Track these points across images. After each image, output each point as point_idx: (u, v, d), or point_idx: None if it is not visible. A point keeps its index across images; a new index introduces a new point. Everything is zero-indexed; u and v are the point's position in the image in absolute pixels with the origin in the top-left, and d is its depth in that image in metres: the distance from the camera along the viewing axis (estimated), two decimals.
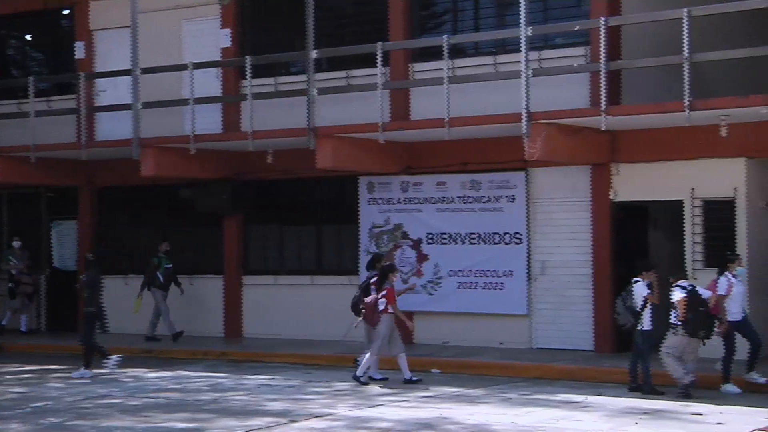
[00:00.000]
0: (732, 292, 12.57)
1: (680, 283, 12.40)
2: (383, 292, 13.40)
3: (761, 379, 12.55)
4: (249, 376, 14.42)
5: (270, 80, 17.49)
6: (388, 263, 14.17)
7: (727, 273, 12.63)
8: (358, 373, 13.41)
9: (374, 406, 11.95)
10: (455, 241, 16.45)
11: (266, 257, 18.38)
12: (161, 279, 17.80)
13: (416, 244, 16.80)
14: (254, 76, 16.48)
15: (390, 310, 13.37)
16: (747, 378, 12.60)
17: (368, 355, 13.40)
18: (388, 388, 13.18)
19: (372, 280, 13.74)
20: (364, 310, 13.51)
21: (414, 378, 13.32)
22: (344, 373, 14.57)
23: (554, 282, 15.59)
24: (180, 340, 17.70)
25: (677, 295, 12.22)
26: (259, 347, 16.85)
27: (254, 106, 16.34)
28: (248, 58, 16.52)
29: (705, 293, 12.41)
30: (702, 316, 12.21)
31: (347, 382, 13.65)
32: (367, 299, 13.51)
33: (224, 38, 18.06)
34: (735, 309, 12.64)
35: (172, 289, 17.95)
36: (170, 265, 17.87)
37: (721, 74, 15.47)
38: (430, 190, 16.69)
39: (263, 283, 17.90)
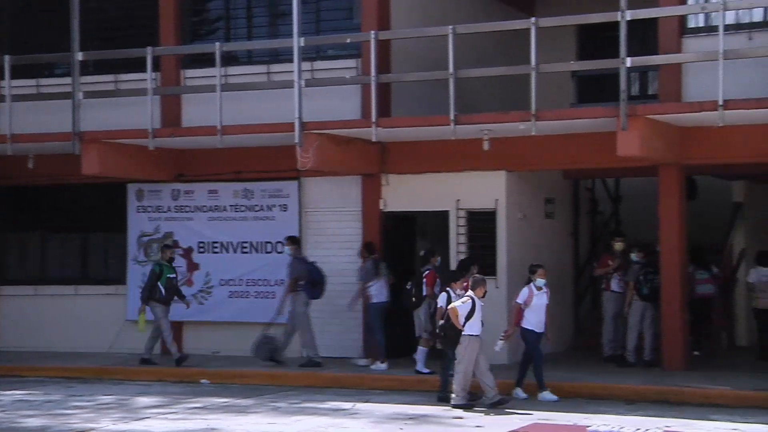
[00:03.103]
0: (532, 302, 12.76)
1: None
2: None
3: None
4: (4, 392, 13.63)
5: (32, 82, 16.69)
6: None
7: (531, 283, 12.88)
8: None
9: (140, 419, 11.61)
10: (227, 250, 16.30)
11: (26, 266, 17.53)
12: (162, 292, 15.19)
13: (187, 253, 16.52)
14: (14, 76, 15.68)
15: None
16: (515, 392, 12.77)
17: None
18: (158, 400, 12.87)
19: (425, 274, 14.00)
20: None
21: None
22: (109, 386, 14.11)
23: (325, 290, 15.71)
24: None
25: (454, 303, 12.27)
26: (17, 361, 16.00)
27: (14, 109, 15.54)
28: (7, 58, 15.70)
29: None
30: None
31: (112, 395, 13.21)
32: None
33: None
34: (534, 319, 12.79)
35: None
36: (174, 275, 15.41)
37: (487, 90, 16.20)
38: (202, 198, 16.46)
39: (22, 294, 17.03)
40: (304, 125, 14.04)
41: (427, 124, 14.13)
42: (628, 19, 12.56)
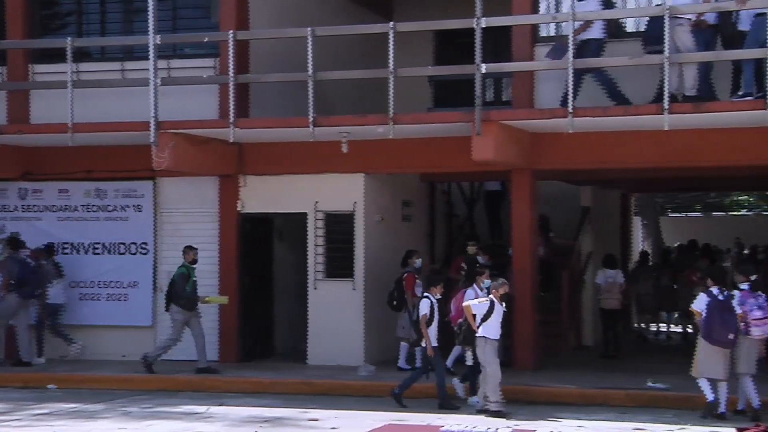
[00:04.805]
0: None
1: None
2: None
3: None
4: None
5: None
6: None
7: (475, 285, 12.72)
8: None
9: None
10: (78, 251, 15.86)
11: None
12: (189, 294, 14.18)
13: (35, 255, 15.94)
14: None
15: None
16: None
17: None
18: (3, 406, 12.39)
19: (404, 276, 14.10)
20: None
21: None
22: None
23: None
24: None
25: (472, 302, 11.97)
26: None
27: None
28: None
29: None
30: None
31: None
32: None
33: None
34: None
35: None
36: (196, 278, 14.39)
37: (345, 93, 16.26)
38: (52, 197, 15.97)
39: None
40: (159, 124, 13.77)
41: (285, 125, 14.09)
42: (483, 26, 12.83)
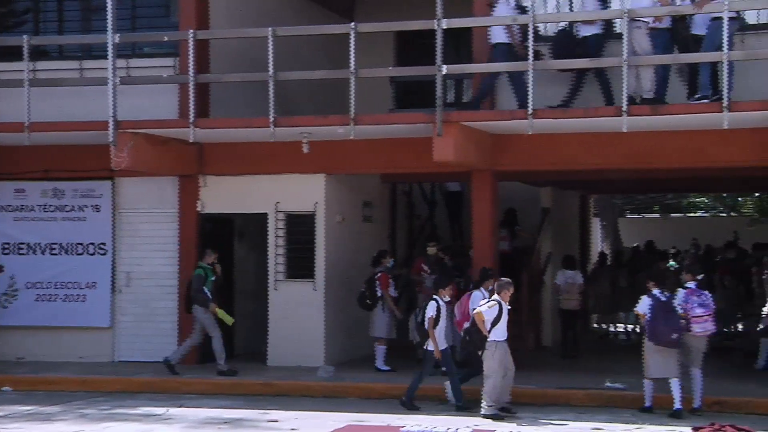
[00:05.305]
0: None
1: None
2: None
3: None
4: None
5: None
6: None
7: (482, 288, 12.74)
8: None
9: None
10: (34, 252, 15.69)
11: None
12: (209, 296, 14.21)
13: None
14: None
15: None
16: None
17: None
18: None
19: (377, 276, 14.27)
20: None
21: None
22: None
23: (139, 294, 15.38)
24: None
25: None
26: None
27: None
28: None
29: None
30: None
31: None
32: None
33: None
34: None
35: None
36: (215, 279, 14.48)
37: (306, 94, 16.23)
38: (8, 197, 15.78)
39: None
40: (118, 124, 13.66)
41: (245, 125, 14.03)
42: (444, 27, 12.87)
